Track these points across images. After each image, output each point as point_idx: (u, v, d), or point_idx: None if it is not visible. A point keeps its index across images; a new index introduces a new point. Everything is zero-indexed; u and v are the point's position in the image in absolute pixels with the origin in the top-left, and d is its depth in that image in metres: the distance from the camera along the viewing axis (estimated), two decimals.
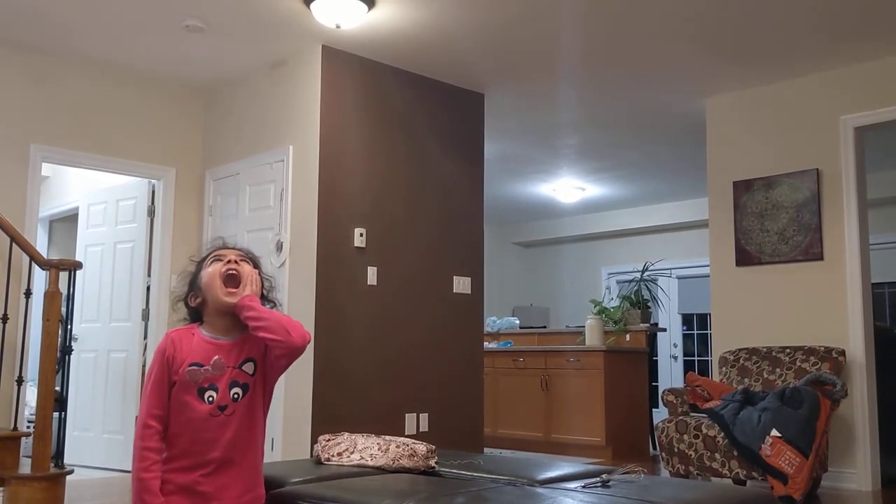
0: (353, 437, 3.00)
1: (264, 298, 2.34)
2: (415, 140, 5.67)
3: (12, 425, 4.81)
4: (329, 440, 3.01)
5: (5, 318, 4.74)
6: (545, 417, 7.35)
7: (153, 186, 6.06)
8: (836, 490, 5.13)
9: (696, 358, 10.24)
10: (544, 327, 9.38)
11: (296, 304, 5.06)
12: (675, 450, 4.92)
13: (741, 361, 5.45)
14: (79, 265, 4.74)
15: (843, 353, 5.13)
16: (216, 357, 2.24)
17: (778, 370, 5.23)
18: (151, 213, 6.05)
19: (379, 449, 2.86)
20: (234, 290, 2.26)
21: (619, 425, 7.06)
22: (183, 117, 6.10)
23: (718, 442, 4.73)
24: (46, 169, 6.52)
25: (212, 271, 2.29)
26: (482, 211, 6.09)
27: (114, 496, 4.97)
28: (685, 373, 9.00)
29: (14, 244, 4.79)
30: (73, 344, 5.37)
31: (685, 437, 4.88)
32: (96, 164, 5.73)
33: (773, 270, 5.68)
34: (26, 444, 4.55)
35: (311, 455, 3.58)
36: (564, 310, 10.64)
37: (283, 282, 5.13)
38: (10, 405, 4.83)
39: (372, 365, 5.25)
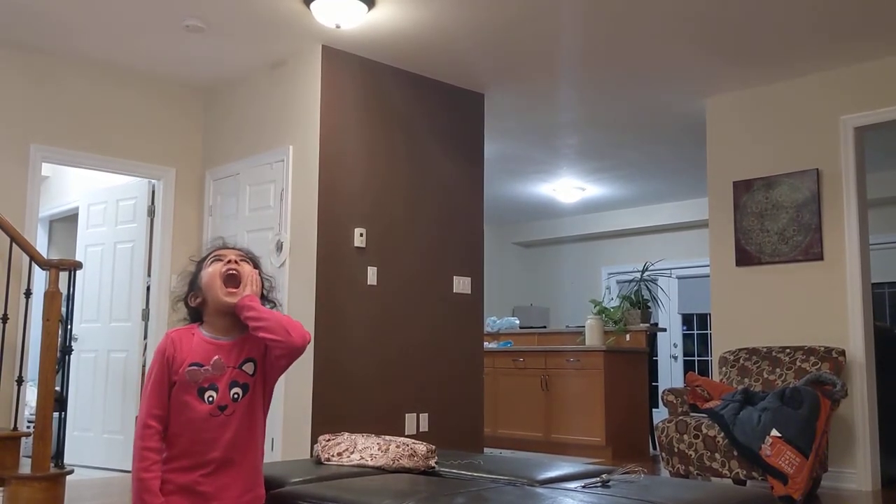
0: (353, 437, 3.00)
1: (264, 298, 2.35)
2: (415, 140, 5.67)
3: (12, 425, 4.81)
4: (329, 440, 3.01)
5: (5, 318, 4.74)
6: (545, 417, 7.35)
7: (153, 186, 6.07)
8: (836, 490, 5.13)
9: (696, 358, 10.24)
10: (544, 327, 9.38)
11: (296, 304, 5.07)
12: (675, 450, 4.92)
13: (741, 361, 5.45)
14: (79, 265, 4.74)
15: (843, 353, 5.13)
16: (216, 357, 2.24)
17: (778, 370, 5.23)
18: (151, 213, 6.05)
19: (379, 449, 2.86)
20: (234, 290, 2.26)
21: (619, 425, 7.06)
22: (183, 117, 6.10)
23: (718, 442, 4.73)
24: (46, 169, 6.52)
25: (212, 271, 2.29)
26: (482, 211, 6.09)
27: (114, 496, 4.97)
28: (685, 373, 9.00)
29: (14, 244, 4.79)
30: (73, 344, 5.37)
31: (685, 437, 4.88)
32: (96, 164, 5.74)
33: (773, 270, 5.68)
34: (26, 444, 4.55)
35: (311, 455, 3.57)
36: (564, 310, 10.63)
37: (283, 282, 5.13)
38: (10, 405, 4.84)
39: (372, 365, 5.25)
